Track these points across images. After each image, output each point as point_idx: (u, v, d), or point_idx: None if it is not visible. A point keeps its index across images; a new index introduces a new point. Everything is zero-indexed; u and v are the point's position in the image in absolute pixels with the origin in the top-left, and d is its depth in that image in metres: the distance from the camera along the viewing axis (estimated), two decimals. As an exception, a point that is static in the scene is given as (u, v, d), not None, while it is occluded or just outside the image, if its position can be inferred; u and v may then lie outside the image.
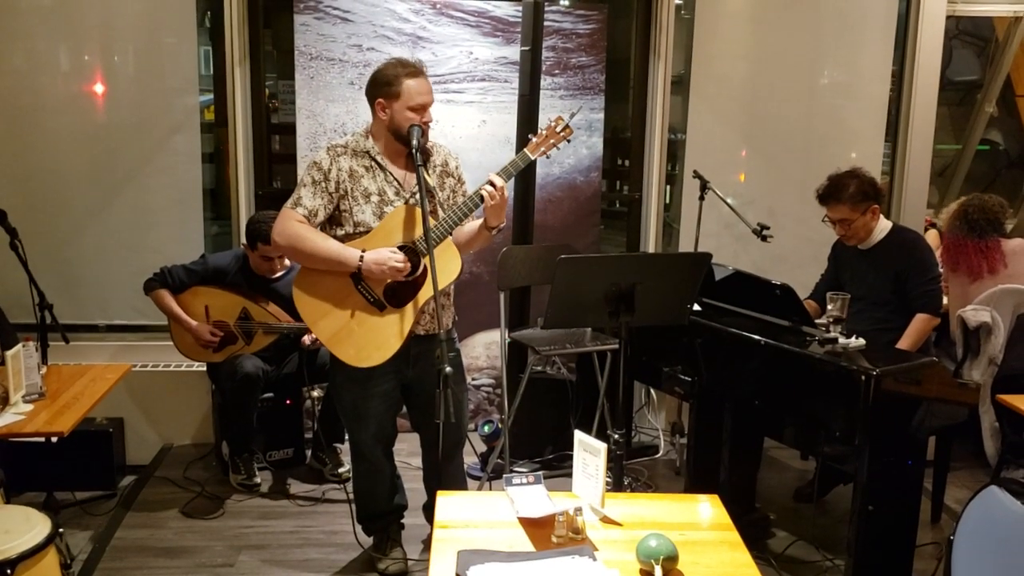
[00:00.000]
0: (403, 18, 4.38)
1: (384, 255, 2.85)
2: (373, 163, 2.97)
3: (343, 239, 2.94)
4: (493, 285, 4.03)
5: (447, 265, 2.89)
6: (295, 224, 2.89)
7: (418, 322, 2.99)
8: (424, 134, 2.92)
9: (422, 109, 2.90)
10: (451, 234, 2.90)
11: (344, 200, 2.95)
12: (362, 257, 2.85)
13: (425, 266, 2.89)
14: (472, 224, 3.01)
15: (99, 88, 4.40)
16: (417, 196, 2.94)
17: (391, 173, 2.97)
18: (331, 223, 2.99)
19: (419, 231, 2.88)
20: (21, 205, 4.05)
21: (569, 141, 3.00)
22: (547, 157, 2.99)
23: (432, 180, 3.00)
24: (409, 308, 2.93)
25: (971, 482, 4.14)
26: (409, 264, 2.87)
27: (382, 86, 2.92)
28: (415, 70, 2.92)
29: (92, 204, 4.43)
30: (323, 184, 2.93)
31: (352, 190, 2.94)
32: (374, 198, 2.95)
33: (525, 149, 2.94)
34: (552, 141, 2.94)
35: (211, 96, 4.70)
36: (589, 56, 4.58)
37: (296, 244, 2.89)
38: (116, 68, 4.41)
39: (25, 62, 4.31)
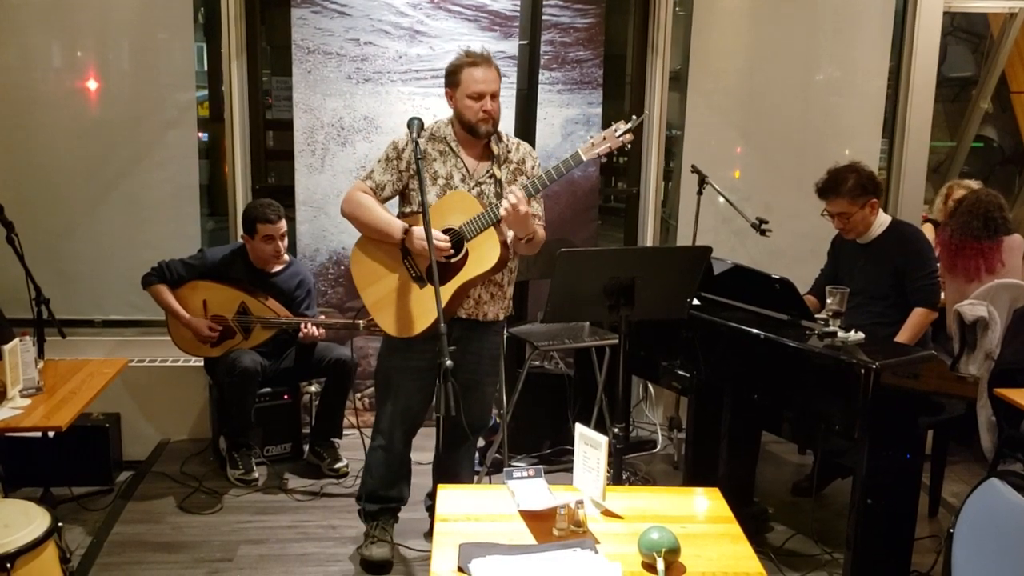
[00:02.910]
0: (400, 12, 4.37)
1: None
2: (448, 148, 3.08)
3: (407, 216, 3.10)
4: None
5: (485, 254, 2.96)
6: (360, 194, 3.09)
7: (461, 305, 3.05)
8: (494, 127, 3.02)
9: (479, 97, 2.98)
10: (495, 225, 2.94)
11: (413, 180, 3.07)
12: (407, 231, 2.96)
13: (467, 251, 2.97)
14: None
15: (94, 84, 4.38)
16: (482, 186, 3.05)
17: (462, 160, 3.07)
18: (402, 200, 3.16)
19: (468, 217, 2.95)
20: (18, 200, 4.03)
21: (626, 147, 2.95)
22: (601, 159, 2.97)
23: (502, 174, 3.08)
24: (447, 288, 2.97)
25: (967, 476, 4.16)
26: (449, 245, 2.94)
27: (448, 76, 3.08)
28: (477, 60, 3.03)
29: (89, 199, 4.41)
30: (395, 162, 3.09)
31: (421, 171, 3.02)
32: (440, 181, 3.06)
33: (579, 150, 2.93)
34: (609, 145, 2.91)
35: (207, 92, 4.68)
36: (587, 51, 4.57)
37: (356, 211, 3.08)
38: (111, 64, 4.40)
39: (20, 58, 4.29)
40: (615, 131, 2.90)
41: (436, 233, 2.91)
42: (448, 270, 2.98)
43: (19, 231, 3.61)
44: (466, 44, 4.40)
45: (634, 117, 2.93)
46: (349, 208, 3.09)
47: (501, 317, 3.20)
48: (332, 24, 4.33)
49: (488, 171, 3.07)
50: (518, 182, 3.05)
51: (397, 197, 3.17)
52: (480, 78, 2.99)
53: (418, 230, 2.94)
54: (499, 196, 3.01)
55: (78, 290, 4.44)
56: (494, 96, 3.01)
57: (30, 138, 4.33)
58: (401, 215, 3.12)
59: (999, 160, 7.02)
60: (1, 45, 4.27)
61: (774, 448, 4.44)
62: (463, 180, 3.06)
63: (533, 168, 3.15)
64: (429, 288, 3.00)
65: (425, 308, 3.01)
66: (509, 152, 3.13)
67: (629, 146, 2.95)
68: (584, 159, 2.92)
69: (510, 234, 3.04)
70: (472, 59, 3.03)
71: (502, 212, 2.84)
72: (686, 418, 3.88)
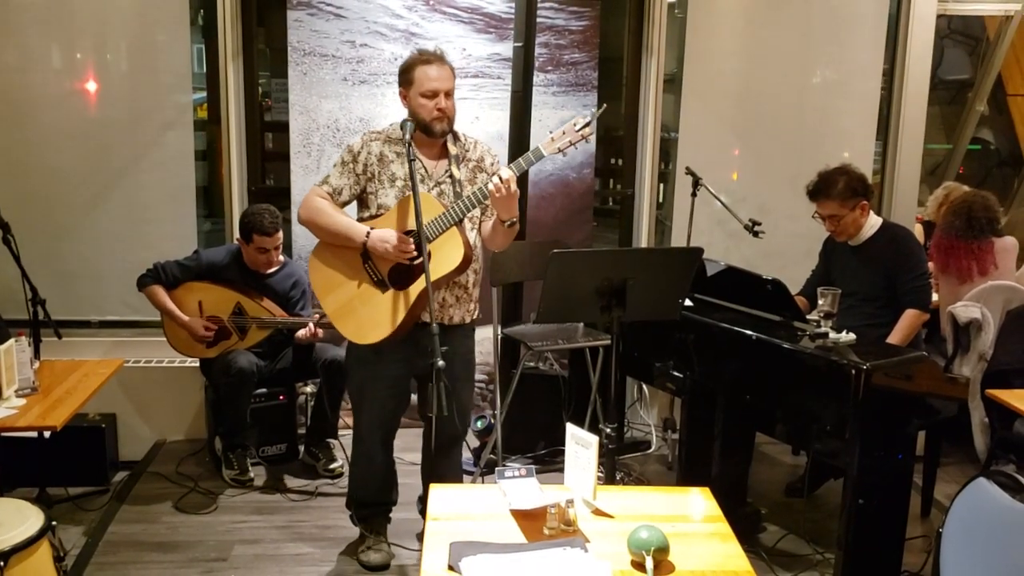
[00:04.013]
0: (396, 14, 4.39)
1: (389, 234, 2.91)
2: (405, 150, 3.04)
3: (367, 220, 3.06)
4: (486, 281, 4.04)
5: (448, 254, 2.93)
6: (317, 199, 3.05)
7: (424, 308, 3.01)
8: (450, 125, 3.01)
9: (433, 95, 2.96)
10: (457, 225, 2.92)
11: (371, 183, 3.06)
12: (368, 234, 2.94)
13: (430, 252, 2.93)
14: (490, 221, 3.04)
15: (92, 85, 4.39)
16: (441, 186, 3.03)
17: (420, 160, 3.04)
18: (360, 205, 3.12)
19: (429, 218, 2.91)
20: (14, 200, 4.04)
21: (587, 141, 2.93)
22: (563, 155, 2.96)
23: (461, 173, 3.05)
24: (410, 292, 2.96)
25: (960, 477, 4.16)
26: (412, 246, 2.91)
27: (401, 75, 3.05)
28: (429, 58, 3.01)
29: (85, 200, 4.42)
30: (351, 165, 3.06)
31: (379, 174, 3.04)
32: (399, 183, 3.04)
33: (540, 145, 2.91)
34: (569, 139, 2.88)
35: (204, 94, 4.69)
36: (582, 53, 4.59)
37: (314, 217, 3.04)
38: (109, 65, 4.41)
39: (18, 59, 4.30)
40: (575, 125, 2.86)
41: (398, 234, 2.91)
42: (411, 273, 2.96)
43: (15, 231, 3.62)
44: (462, 46, 4.45)
45: (593, 110, 2.93)
46: (307, 214, 3.05)
47: (467, 320, 3.16)
48: (328, 26, 4.34)
49: (446, 171, 3.04)
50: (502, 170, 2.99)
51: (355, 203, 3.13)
52: (434, 76, 2.97)
53: (379, 232, 2.92)
54: (459, 196, 2.97)
55: (74, 291, 4.44)
56: (448, 94, 2.99)
57: (27, 139, 4.34)
58: (360, 221, 3.06)
59: (995, 163, 7.03)
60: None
61: (768, 449, 4.45)
62: (422, 181, 3.01)
63: (492, 165, 3.13)
64: (391, 293, 2.98)
65: (388, 314, 2.97)
66: (467, 151, 3.11)
67: (589, 140, 2.93)
68: (545, 154, 2.88)
69: (472, 234, 3.03)
70: (425, 57, 3.00)
71: (491, 188, 2.78)
72: (679, 419, 3.90)
